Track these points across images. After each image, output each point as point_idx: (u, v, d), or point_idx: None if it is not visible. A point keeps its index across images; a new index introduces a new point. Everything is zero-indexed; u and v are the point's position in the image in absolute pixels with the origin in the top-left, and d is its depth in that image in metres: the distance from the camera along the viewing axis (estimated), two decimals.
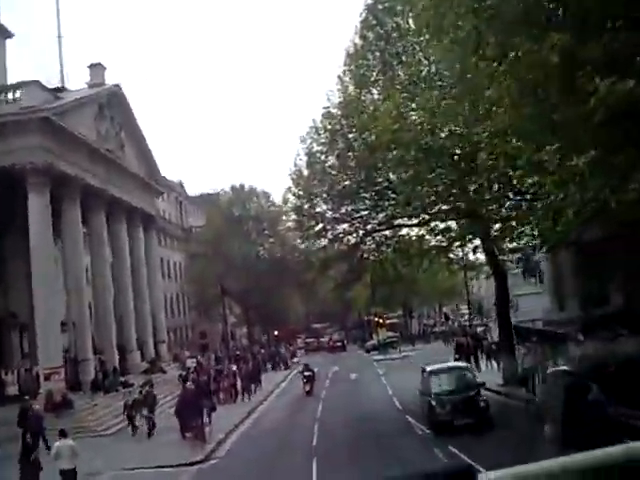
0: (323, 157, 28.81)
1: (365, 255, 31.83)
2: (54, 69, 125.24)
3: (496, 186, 20.04)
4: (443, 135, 19.07)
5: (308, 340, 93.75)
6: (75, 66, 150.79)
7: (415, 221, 30.16)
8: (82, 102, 42.22)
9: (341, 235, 30.60)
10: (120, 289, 46.38)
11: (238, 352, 64.99)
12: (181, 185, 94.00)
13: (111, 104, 46.03)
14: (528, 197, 21.10)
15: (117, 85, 47.52)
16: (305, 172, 29.50)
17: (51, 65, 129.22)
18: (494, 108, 13.58)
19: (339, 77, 29.86)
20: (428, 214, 26.96)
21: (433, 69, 23.83)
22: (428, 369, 26.00)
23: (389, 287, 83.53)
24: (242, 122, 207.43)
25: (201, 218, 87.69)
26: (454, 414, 22.14)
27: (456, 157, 18.91)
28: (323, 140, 28.40)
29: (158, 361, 48.46)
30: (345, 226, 30.27)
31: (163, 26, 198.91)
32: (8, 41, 48.30)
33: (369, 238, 30.93)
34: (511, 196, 21.90)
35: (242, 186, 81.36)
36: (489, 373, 34.94)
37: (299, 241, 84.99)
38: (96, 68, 46.36)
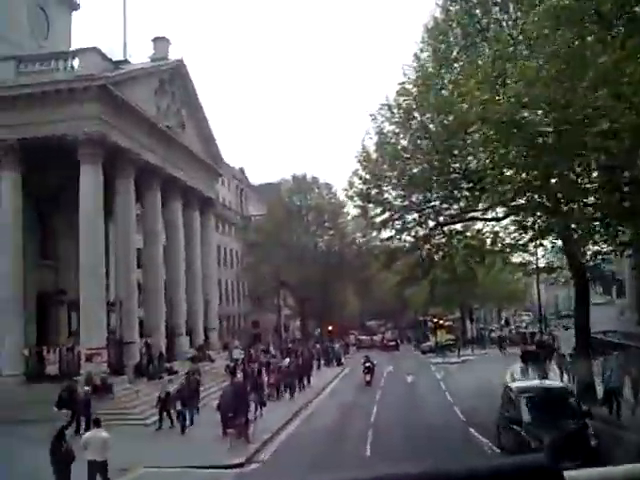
0: (394, 139, 26.35)
1: (434, 249, 29.08)
2: (118, 42, 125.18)
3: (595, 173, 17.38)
4: (541, 110, 16.38)
5: (361, 337, 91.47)
6: (140, 41, 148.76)
7: (491, 215, 27.55)
8: (143, 74, 40.38)
9: (409, 226, 28.11)
10: (172, 271, 44.69)
11: (290, 345, 63.00)
12: (242, 172, 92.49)
13: (173, 80, 44.19)
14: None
15: (180, 61, 45.59)
16: (374, 155, 27.05)
17: (116, 38, 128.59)
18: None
19: (416, 55, 27.38)
20: (507, 206, 24.16)
21: (523, 47, 21.14)
22: (515, 386, 21.58)
23: (448, 287, 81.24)
24: (308, 108, 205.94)
25: (262, 207, 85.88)
26: (556, 454, 15.01)
27: (555, 135, 16.08)
28: (396, 119, 25.83)
29: (206, 348, 46.44)
30: (415, 216, 27.75)
31: (231, 7, 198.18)
32: (74, 13, 47.09)
33: (439, 231, 28.33)
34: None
35: (304, 176, 79.12)
36: None
37: (360, 234, 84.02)
38: (160, 42, 44.48)
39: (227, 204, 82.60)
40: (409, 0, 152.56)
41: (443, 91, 23.38)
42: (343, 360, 59.54)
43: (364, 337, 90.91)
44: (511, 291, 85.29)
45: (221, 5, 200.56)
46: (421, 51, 27.37)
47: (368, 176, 26.48)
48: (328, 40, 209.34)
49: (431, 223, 27.80)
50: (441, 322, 66.32)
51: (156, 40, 44.45)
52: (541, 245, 28.55)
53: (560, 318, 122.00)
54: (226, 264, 78.16)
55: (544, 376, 33.29)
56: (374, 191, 26.47)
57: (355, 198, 27.87)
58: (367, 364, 43.19)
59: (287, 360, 43.06)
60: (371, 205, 27.64)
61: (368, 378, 41.93)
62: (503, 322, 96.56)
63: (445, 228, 28.45)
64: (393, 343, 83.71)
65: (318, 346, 64.84)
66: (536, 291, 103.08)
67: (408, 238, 28.67)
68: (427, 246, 28.58)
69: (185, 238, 46.79)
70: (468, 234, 28.94)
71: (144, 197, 41.50)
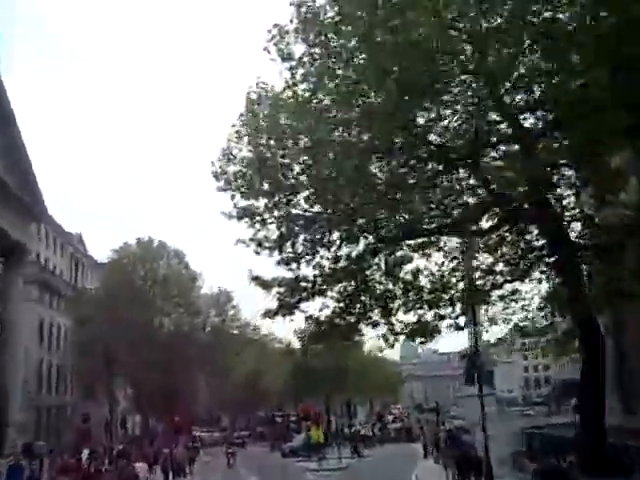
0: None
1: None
2: None
3: None
4: None
5: (202, 434, 76.88)
6: None
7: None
8: None
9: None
10: None
11: (121, 446, 49.47)
12: (80, 240, 79.27)
13: None
14: None
15: None
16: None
17: None
18: None
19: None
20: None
21: None
22: None
23: (314, 375, 71.43)
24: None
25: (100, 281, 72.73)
26: None
27: None
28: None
29: None
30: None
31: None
32: None
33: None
34: None
35: (150, 241, 66.88)
36: None
37: (214, 311, 72.42)
38: None
39: (57, 273, 69.26)
40: None
41: None
42: (187, 470, 42.90)
43: (205, 434, 76.91)
44: (385, 382, 76.61)
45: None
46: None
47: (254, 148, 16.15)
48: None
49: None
50: (315, 416, 54.07)
51: None
52: None
53: (422, 412, 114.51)
54: (51, 343, 64.19)
55: None
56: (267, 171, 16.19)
57: (234, 191, 17.31)
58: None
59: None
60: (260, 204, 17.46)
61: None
62: (375, 417, 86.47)
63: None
64: (240, 441, 70.57)
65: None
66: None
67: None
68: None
69: None
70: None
71: None
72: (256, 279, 18.29)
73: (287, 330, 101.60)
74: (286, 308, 18.14)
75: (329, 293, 18.33)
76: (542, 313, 20.70)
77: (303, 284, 18.05)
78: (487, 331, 20.94)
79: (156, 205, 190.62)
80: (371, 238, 17.11)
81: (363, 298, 18.11)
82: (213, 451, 63.81)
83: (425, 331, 18.78)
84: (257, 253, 17.89)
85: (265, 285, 18.12)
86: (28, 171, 40.45)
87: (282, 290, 18.20)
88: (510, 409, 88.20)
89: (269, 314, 18.34)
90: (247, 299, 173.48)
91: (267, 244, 17.75)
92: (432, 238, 18.08)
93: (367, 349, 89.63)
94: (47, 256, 67.31)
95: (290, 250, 17.77)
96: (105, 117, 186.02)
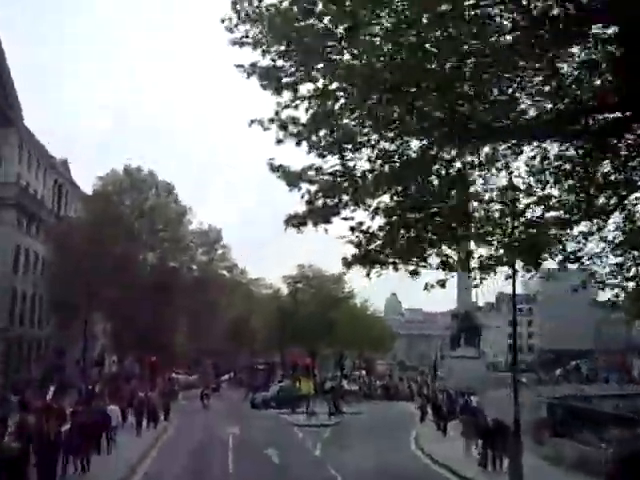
0: None
1: None
2: None
3: None
4: None
5: (180, 376, 73.04)
6: None
7: None
8: None
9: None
10: None
11: (96, 385, 45.97)
12: (65, 165, 74.62)
13: None
14: None
15: None
16: None
17: None
18: None
19: None
20: None
21: None
22: None
23: (300, 326, 68.18)
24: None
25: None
26: None
27: None
28: None
29: None
30: None
31: None
32: None
33: None
34: None
35: (139, 169, 62.53)
36: None
37: (202, 250, 68.53)
38: None
39: (38, 198, 64.97)
40: None
41: None
42: (162, 418, 39.00)
43: (181, 376, 73.48)
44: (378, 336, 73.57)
45: None
46: None
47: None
48: None
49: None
50: (307, 365, 49.97)
51: None
52: None
53: (405, 370, 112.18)
54: (27, 272, 60.12)
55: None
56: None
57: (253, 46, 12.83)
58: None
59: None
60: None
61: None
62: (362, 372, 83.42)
63: None
64: (214, 385, 67.01)
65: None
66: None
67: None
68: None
69: None
70: None
71: None
72: (279, 169, 13.77)
73: (276, 277, 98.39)
74: (319, 214, 13.63)
75: (383, 198, 13.76)
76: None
77: (345, 182, 13.54)
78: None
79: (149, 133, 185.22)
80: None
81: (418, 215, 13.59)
82: (190, 394, 60.82)
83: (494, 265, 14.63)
84: (279, 142, 13.42)
85: (291, 178, 13.60)
86: (4, 77, 36.16)
87: (316, 187, 13.73)
88: (496, 374, 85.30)
89: (294, 221, 13.81)
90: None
91: (295, 128, 13.28)
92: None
93: (358, 301, 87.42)
94: (29, 180, 62.91)
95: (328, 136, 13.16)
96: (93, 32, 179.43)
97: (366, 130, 12.83)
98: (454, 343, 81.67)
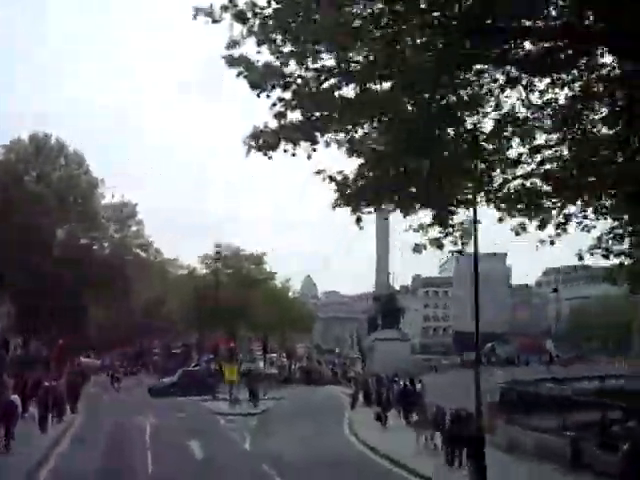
0: None
1: None
2: None
3: None
4: None
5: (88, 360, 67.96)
6: None
7: None
8: None
9: None
10: None
11: None
12: None
13: None
14: None
15: None
16: None
17: None
18: None
19: None
20: None
21: None
22: None
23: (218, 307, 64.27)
24: None
25: None
26: None
27: None
28: None
29: None
30: None
31: None
32: None
33: None
34: None
35: (46, 137, 57.57)
36: None
37: (114, 227, 64.12)
38: None
39: None
40: None
41: None
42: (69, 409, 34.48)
43: (89, 360, 68.10)
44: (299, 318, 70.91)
45: None
46: None
47: None
48: None
49: None
50: (230, 348, 45.95)
51: None
52: None
53: (322, 353, 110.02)
54: None
55: None
56: None
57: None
58: None
59: None
60: None
61: None
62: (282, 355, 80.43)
63: None
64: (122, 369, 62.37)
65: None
66: None
67: None
68: None
69: None
70: None
71: None
72: (242, 63, 10.27)
73: (191, 257, 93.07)
74: (299, 130, 10.37)
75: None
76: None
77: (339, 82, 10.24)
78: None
79: None
80: None
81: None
82: (101, 379, 57.06)
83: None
84: (234, 44, 10.07)
85: (255, 76, 10.14)
86: None
87: (290, 94, 10.32)
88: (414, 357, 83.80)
89: (262, 141, 10.50)
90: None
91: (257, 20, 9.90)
92: None
93: (279, 282, 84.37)
94: None
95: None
96: None
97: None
98: (375, 325, 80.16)
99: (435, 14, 9.50)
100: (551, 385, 30.47)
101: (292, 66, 10.13)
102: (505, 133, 11.97)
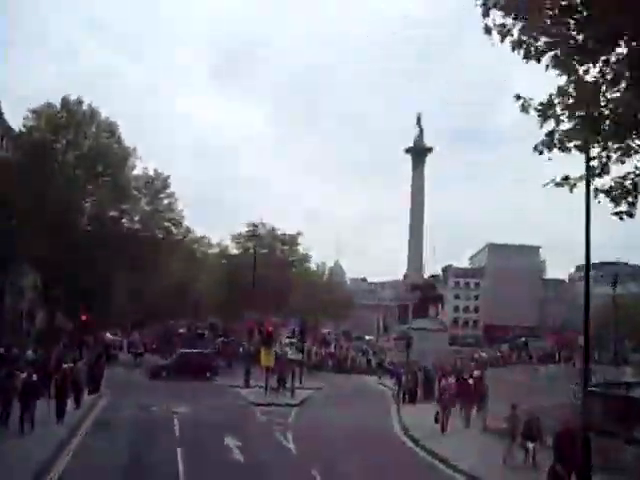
0: None
1: None
2: None
3: None
4: None
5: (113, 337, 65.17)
6: None
7: None
8: None
9: None
10: None
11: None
12: None
13: None
14: None
15: None
16: None
17: None
18: None
19: None
20: None
21: None
22: None
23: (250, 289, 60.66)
24: None
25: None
26: None
27: None
28: None
29: None
30: None
31: None
32: None
33: None
34: None
35: (79, 102, 54.15)
36: None
37: (146, 200, 60.96)
38: None
39: None
40: None
41: None
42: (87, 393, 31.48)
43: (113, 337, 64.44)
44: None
45: None
46: None
47: None
48: None
49: None
50: (269, 332, 41.61)
51: None
52: None
53: (350, 339, 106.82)
54: None
55: None
56: None
57: None
58: None
59: None
60: None
61: None
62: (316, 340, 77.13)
63: None
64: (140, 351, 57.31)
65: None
66: None
67: None
68: None
69: None
70: None
71: None
72: None
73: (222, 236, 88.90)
74: None
75: None
76: None
77: None
78: None
79: None
80: None
81: None
82: (126, 359, 54.45)
83: None
84: None
85: None
86: None
87: None
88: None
89: None
90: None
91: None
92: None
93: (313, 265, 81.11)
94: None
95: None
96: None
97: None
98: (406, 314, 76.98)
99: None
100: None
101: None
102: None
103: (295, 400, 35.87)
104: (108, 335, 61.01)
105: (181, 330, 74.75)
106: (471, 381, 32.24)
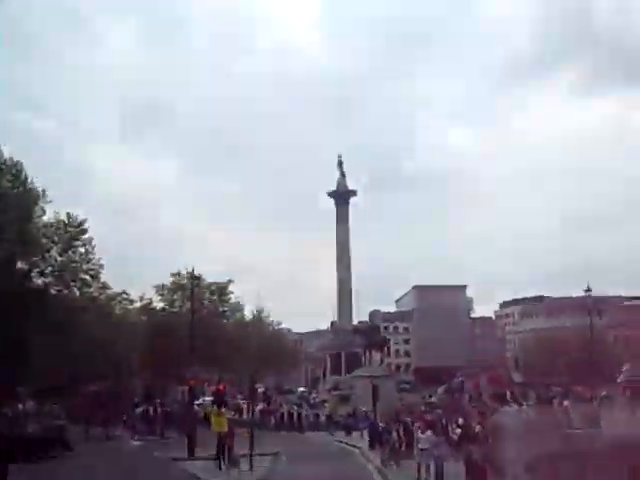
0: None
1: None
2: None
3: None
4: None
5: None
6: None
7: None
8: None
9: None
10: None
11: None
12: None
13: None
14: None
15: None
16: None
17: None
18: None
19: None
20: None
21: None
22: None
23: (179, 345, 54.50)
24: None
25: None
26: None
27: None
28: None
29: None
30: None
31: None
32: None
33: None
34: None
35: None
36: None
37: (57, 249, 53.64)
38: None
39: None
40: None
41: None
42: None
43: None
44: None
45: None
46: None
47: None
48: None
49: None
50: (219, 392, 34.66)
51: None
52: None
53: (281, 393, 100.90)
54: None
55: None
56: None
57: None
58: None
59: None
60: None
61: None
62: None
63: None
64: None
65: None
66: None
67: None
68: None
69: None
70: None
71: None
72: None
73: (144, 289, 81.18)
74: None
75: None
76: None
77: None
78: None
79: None
80: None
81: None
82: None
83: None
84: None
85: None
86: None
87: None
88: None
89: None
90: None
91: None
92: None
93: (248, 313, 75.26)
94: None
95: None
96: None
97: None
98: (338, 363, 74.27)
99: None
100: None
101: None
102: None
103: (253, 476, 29.09)
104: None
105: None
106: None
